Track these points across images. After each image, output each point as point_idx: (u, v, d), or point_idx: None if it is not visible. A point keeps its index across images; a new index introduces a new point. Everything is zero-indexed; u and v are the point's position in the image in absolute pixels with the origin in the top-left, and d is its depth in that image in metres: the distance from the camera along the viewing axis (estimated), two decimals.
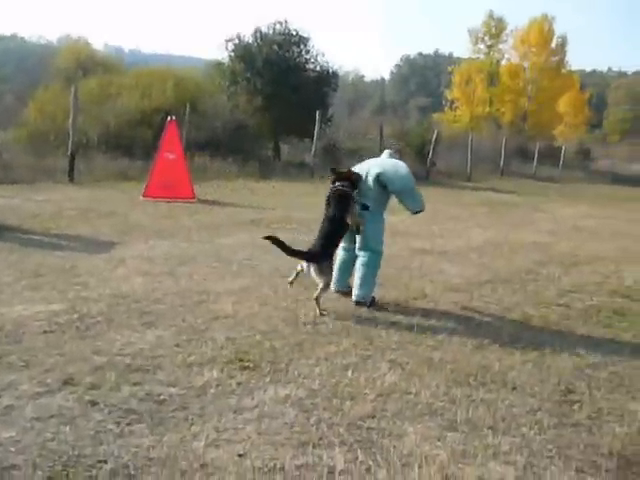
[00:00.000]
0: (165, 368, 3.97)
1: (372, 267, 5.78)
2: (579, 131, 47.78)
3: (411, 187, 5.90)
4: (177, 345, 4.38)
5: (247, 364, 4.11)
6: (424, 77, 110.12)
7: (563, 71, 45.54)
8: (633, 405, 3.95)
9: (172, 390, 3.66)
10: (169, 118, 12.37)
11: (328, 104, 23.31)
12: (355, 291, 5.80)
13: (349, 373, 4.11)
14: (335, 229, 5.54)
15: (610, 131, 79.19)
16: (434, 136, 23.52)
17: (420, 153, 23.91)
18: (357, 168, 6.11)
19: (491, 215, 13.99)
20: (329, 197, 5.67)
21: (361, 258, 5.81)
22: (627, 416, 3.78)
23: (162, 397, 3.56)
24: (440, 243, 9.31)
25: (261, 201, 12.78)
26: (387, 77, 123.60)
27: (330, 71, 23.06)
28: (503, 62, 44.81)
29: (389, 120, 37.18)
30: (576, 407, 3.88)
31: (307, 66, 22.47)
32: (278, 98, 20.90)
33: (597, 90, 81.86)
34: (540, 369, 4.47)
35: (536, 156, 29.44)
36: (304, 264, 5.45)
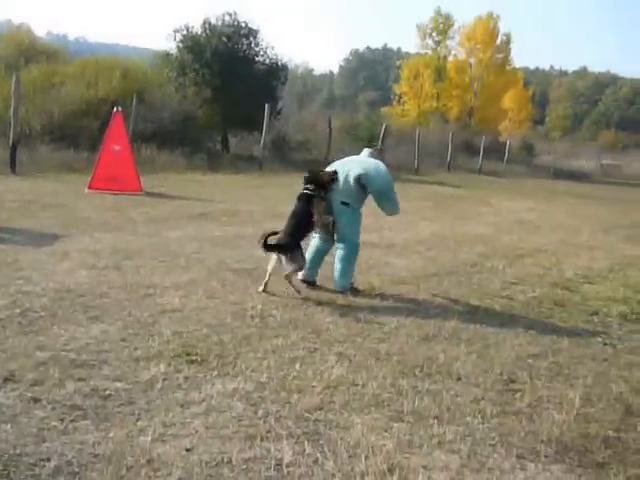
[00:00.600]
0: (111, 363, 3.91)
1: (350, 259, 6.13)
2: (523, 127, 48.85)
3: (389, 188, 6.22)
4: (123, 339, 4.32)
5: (194, 358, 4.08)
6: (373, 71, 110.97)
7: (507, 68, 46.52)
8: (572, 393, 4.07)
9: (118, 385, 3.61)
10: (115, 109, 12.11)
11: (277, 97, 23.20)
12: (337, 282, 6.13)
13: (297, 366, 4.12)
14: (298, 223, 5.87)
15: (552, 127, 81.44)
16: (382, 130, 23.68)
17: (368, 147, 24.06)
18: (338, 165, 6.37)
19: (438, 208, 14.20)
20: (297, 197, 6.07)
21: (340, 250, 6.15)
22: (566, 404, 3.90)
23: (108, 392, 3.50)
24: (387, 236, 9.41)
25: (209, 194, 12.66)
26: (336, 71, 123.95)
27: (279, 64, 22.94)
28: (450, 58, 45.48)
29: (338, 114, 37.32)
30: (518, 396, 3.99)
31: (256, 58, 22.30)
32: (227, 90, 20.70)
33: (540, 87, 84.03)
34: (484, 360, 4.57)
35: (482, 151, 29.95)
36: (274, 256, 5.75)
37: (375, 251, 8.19)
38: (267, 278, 5.82)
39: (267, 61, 22.57)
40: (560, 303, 6.47)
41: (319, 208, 5.88)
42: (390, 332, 5.00)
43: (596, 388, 4.23)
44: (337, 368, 4.14)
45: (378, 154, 6.55)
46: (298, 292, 5.76)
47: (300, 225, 5.88)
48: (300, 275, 6.07)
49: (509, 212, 14.63)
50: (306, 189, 6.03)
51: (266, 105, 19.18)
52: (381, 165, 6.23)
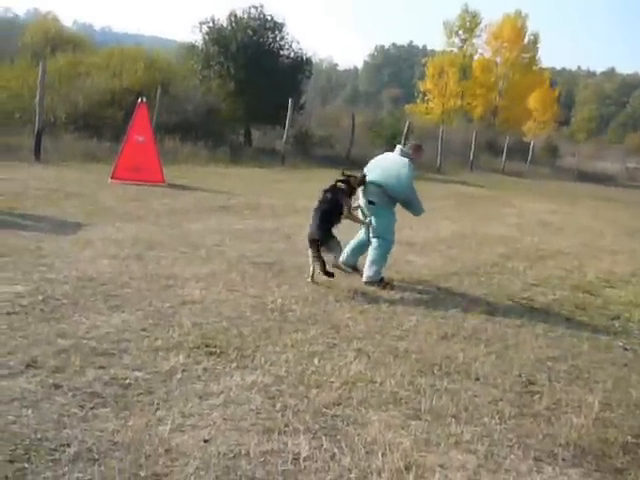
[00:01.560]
0: (131, 352, 3.94)
1: (381, 251, 6.30)
2: (548, 128, 48.47)
3: (412, 197, 6.42)
4: (143, 329, 4.35)
5: (214, 350, 4.11)
6: (397, 68, 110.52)
7: (534, 68, 46.14)
8: (590, 397, 4.05)
9: (138, 374, 3.64)
10: (139, 100, 12.19)
11: (301, 91, 23.24)
12: (365, 272, 6.28)
13: (315, 361, 4.13)
14: (326, 210, 6.04)
15: (577, 129, 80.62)
16: (406, 127, 23.60)
17: (391, 144, 23.91)
18: (372, 164, 6.52)
19: (459, 208, 14.13)
20: (324, 190, 6.23)
21: (373, 244, 6.36)
22: (584, 408, 3.87)
23: (127, 381, 3.54)
24: (408, 234, 9.37)
25: (231, 187, 12.71)
26: (360, 66, 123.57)
27: (304, 58, 22.96)
28: (476, 57, 45.21)
29: (361, 110, 37.26)
30: (536, 398, 3.97)
31: (281, 52, 22.35)
32: (251, 83, 20.76)
33: (566, 88, 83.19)
34: (503, 361, 4.56)
35: (505, 151, 29.76)
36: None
37: (396, 249, 8.10)
38: (312, 268, 6.04)
39: (292, 55, 22.61)
40: (581, 306, 6.42)
41: (346, 201, 6.15)
42: (409, 330, 5.00)
43: (616, 393, 4.20)
44: (356, 364, 4.15)
45: (414, 152, 6.53)
46: (346, 271, 6.28)
47: (327, 213, 6.04)
48: (340, 260, 6.24)
49: (531, 213, 14.51)
50: (339, 182, 6.24)
51: (290, 99, 19.21)
52: (404, 172, 6.27)
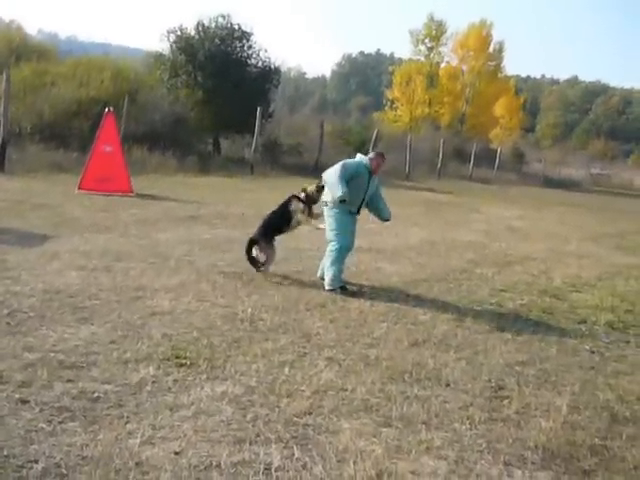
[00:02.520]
0: (100, 365, 3.90)
1: (335, 255, 6.32)
2: (514, 134, 49.11)
3: (332, 182, 6.26)
4: (112, 342, 4.31)
5: (184, 361, 4.08)
6: (365, 76, 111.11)
7: (500, 76, 46.85)
8: (559, 400, 4.11)
9: (107, 387, 3.60)
10: (107, 109, 12.11)
11: (269, 100, 23.27)
12: (325, 280, 6.36)
13: (286, 370, 4.13)
14: (270, 219, 6.66)
15: (543, 135, 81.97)
16: (374, 135, 23.76)
17: (359, 152, 24.07)
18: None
19: (428, 215, 14.26)
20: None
21: (327, 248, 6.44)
22: (553, 411, 3.93)
23: (96, 395, 3.50)
24: (377, 241, 9.43)
25: (200, 196, 12.65)
26: (329, 75, 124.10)
27: (272, 67, 23.00)
28: (443, 65, 45.72)
29: (330, 118, 37.32)
30: (506, 402, 4.01)
31: (249, 61, 22.36)
32: (219, 92, 20.72)
33: (531, 95, 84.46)
34: (473, 366, 4.60)
35: (472, 158, 30.10)
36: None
37: (365, 256, 8.22)
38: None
39: (260, 64, 22.64)
40: (548, 311, 6.51)
41: (296, 206, 6.57)
42: (380, 337, 5.02)
43: (583, 396, 4.27)
44: (326, 373, 4.15)
45: (372, 158, 6.56)
46: (259, 270, 6.61)
47: (270, 221, 6.64)
48: (318, 274, 6.60)
49: (499, 219, 14.71)
50: (297, 193, 6.69)
51: (258, 108, 19.22)
52: (337, 166, 6.29)
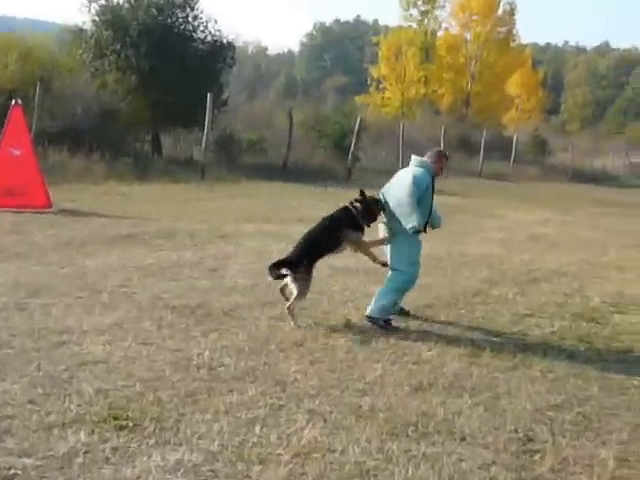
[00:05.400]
0: (16, 433, 3.86)
1: (393, 285, 6.60)
2: (533, 118, 49.70)
3: (405, 211, 6.47)
4: (31, 401, 4.27)
5: (125, 423, 4.05)
6: (343, 50, 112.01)
7: (512, 45, 47.37)
8: (604, 452, 4.13)
9: (26, 461, 3.56)
10: (13, 101, 12.05)
11: (222, 84, 23.34)
12: (370, 305, 6.53)
13: (257, 429, 4.12)
14: (318, 239, 6.44)
15: (569, 118, 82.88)
16: (357, 124, 23.85)
17: (339, 146, 24.22)
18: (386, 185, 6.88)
19: None
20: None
21: (388, 275, 6.70)
22: (597, 465, 3.95)
23: (12, 471, 3.46)
24: (366, 260, 9.44)
25: (138, 210, 12.60)
26: (297, 50, 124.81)
27: (224, 42, 23.06)
28: (440, 33, 46.17)
29: (300, 104, 37.50)
30: (537, 458, 4.03)
31: (195, 35, 22.43)
32: (158, 76, 20.71)
33: (553, 68, 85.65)
34: (493, 413, 4.62)
35: (482, 149, 30.33)
36: (284, 271, 6.21)
37: (351, 279, 8.23)
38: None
39: (208, 38, 22.72)
40: (586, 339, 6.56)
41: (348, 232, 6.50)
42: (374, 382, 5.03)
43: (633, 445, 4.30)
44: (308, 430, 4.14)
45: (434, 161, 6.85)
46: (297, 325, 6.22)
47: (317, 243, 6.41)
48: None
49: (518, 225, 14.83)
50: (351, 203, 6.62)
51: (208, 95, 19.22)
52: (405, 191, 6.44)
